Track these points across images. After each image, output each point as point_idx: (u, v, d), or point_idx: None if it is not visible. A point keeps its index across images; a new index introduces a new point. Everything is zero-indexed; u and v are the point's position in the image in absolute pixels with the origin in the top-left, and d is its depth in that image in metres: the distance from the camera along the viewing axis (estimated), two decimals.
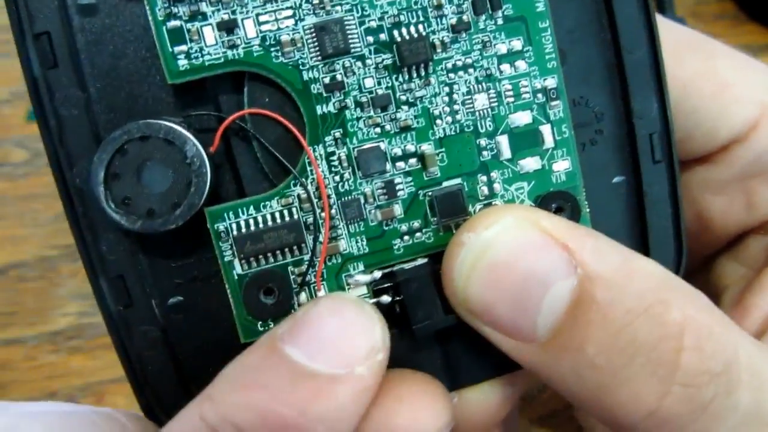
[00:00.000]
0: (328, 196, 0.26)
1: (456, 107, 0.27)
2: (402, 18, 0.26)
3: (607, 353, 0.24)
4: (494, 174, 0.28)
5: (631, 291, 0.24)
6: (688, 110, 0.30)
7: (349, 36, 0.26)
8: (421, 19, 0.26)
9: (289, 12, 0.25)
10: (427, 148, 0.27)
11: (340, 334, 0.24)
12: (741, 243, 0.34)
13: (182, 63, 0.25)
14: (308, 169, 0.26)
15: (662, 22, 0.30)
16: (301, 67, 0.26)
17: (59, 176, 0.25)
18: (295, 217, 0.26)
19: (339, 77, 0.26)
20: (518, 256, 0.25)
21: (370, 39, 0.26)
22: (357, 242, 0.27)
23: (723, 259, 0.35)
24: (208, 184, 0.25)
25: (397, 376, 0.27)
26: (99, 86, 0.25)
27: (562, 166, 0.28)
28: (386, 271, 0.27)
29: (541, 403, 0.45)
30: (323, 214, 0.26)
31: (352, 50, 0.26)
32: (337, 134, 0.26)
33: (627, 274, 0.25)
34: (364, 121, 0.26)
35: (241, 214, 0.26)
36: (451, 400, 0.28)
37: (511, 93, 0.27)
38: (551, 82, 0.27)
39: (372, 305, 0.26)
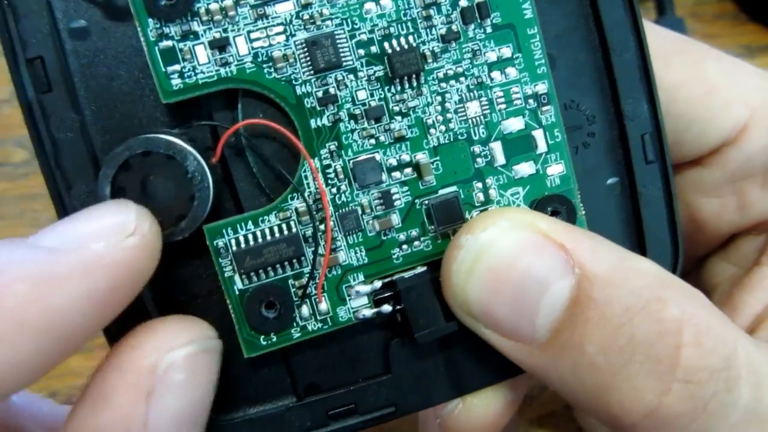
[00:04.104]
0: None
1: (449, 116, 0.27)
2: (392, 30, 0.26)
3: (606, 352, 0.24)
4: (489, 180, 0.28)
5: (629, 289, 0.25)
6: (677, 114, 0.31)
7: (341, 50, 0.26)
8: (411, 30, 0.26)
9: (280, 28, 0.26)
10: (421, 157, 0.27)
11: (78, 217, 0.23)
12: (732, 243, 0.35)
13: (176, 82, 0.25)
14: (305, 182, 0.26)
15: (650, 27, 0.30)
16: (293, 82, 0.26)
17: (57, 199, 0.25)
18: (294, 230, 0.26)
19: (332, 90, 0.26)
20: (516, 257, 0.25)
21: (362, 52, 0.26)
22: (356, 253, 0.27)
23: (714, 259, 0.36)
24: (211, 197, 0.25)
25: None
26: (93, 108, 0.26)
27: (556, 170, 0.28)
28: (386, 280, 0.28)
29: (541, 403, 0.45)
30: (322, 227, 0.26)
31: (344, 63, 0.26)
32: (332, 147, 0.27)
33: (624, 273, 0.25)
34: (358, 133, 0.27)
35: (239, 230, 0.26)
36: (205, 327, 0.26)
37: (502, 100, 0.28)
38: (542, 88, 0.28)
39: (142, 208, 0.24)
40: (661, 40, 0.30)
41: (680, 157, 0.32)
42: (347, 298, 0.27)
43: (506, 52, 0.27)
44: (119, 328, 0.24)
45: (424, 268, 0.28)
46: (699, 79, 0.31)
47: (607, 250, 0.26)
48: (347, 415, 0.29)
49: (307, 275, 0.26)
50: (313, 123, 0.26)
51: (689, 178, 0.33)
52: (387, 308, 0.27)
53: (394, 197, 0.27)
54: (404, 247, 0.27)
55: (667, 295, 0.25)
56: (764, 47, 0.52)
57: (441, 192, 0.27)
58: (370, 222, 0.27)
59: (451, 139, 0.27)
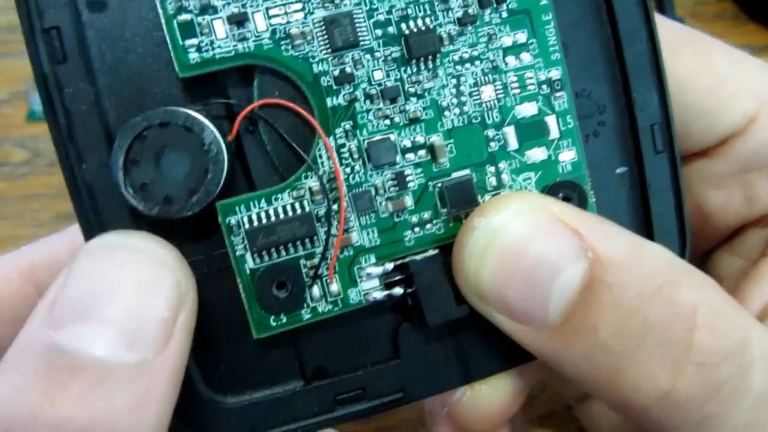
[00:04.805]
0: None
1: (463, 99, 0.27)
2: (409, 11, 0.26)
3: (620, 335, 0.24)
4: (502, 164, 0.28)
5: (642, 273, 0.25)
6: (686, 105, 0.31)
7: (358, 29, 0.26)
8: (428, 12, 0.27)
9: (299, 5, 0.26)
10: (436, 139, 0.27)
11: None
12: (739, 236, 0.35)
13: (193, 56, 0.25)
14: (319, 161, 0.26)
15: (659, 20, 0.30)
16: (311, 60, 0.26)
17: (69, 172, 0.25)
18: (307, 209, 0.26)
19: (348, 70, 0.26)
20: (529, 240, 0.25)
21: (379, 32, 0.26)
22: (368, 234, 0.27)
23: (721, 252, 0.36)
24: (225, 171, 0.25)
25: None
26: (108, 81, 0.25)
27: (567, 156, 0.28)
28: (398, 263, 0.27)
29: (541, 403, 0.45)
30: (335, 206, 0.26)
31: (361, 43, 0.26)
32: (348, 126, 0.26)
33: (637, 257, 0.25)
34: (373, 113, 0.27)
35: (252, 208, 0.26)
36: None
37: (516, 85, 0.28)
38: (555, 74, 0.28)
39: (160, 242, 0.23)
40: (670, 32, 0.31)
41: (688, 148, 0.32)
42: (358, 280, 0.27)
43: (521, 37, 0.28)
44: None
45: (436, 251, 0.28)
46: (708, 70, 0.31)
47: (620, 235, 0.26)
48: (355, 401, 0.28)
49: (319, 255, 0.26)
50: (329, 102, 0.26)
51: (697, 170, 0.33)
52: (398, 291, 0.27)
53: (408, 179, 0.27)
54: (416, 229, 0.27)
55: (681, 279, 0.25)
56: (764, 47, 0.53)
57: (454, 175, 0.27)
58: (383, 203, 0.27)
59: (466, 123, 0.27)
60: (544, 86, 0.28)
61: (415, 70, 0.27)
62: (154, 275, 0.23)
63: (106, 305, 0.21)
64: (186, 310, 0.23)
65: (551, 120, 0.28)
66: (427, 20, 0.27)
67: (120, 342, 0.21)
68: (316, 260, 0.26)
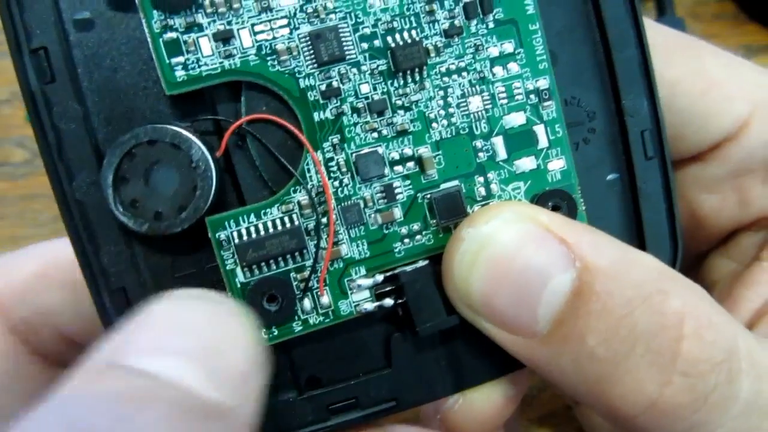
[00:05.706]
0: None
1: (451, 110, 0.27)
2: (395, 24, 0.26)
3: (608, 343, 0.25)
4: (491, 175, 0.28)
5: (630, 282, 0.25)
6: (678, 109, 0.31)
7: (344, 43, 0.26)
8: (414, 24, 0.27)
9: (284, 21, 0.26)
10: (424, 151, 0.27)
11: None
12: (732, 240, 0.35)
13: (179, 74, 0.25)
14: (308, 175, 0.26)
15: (650, 25, 0.30)
16: (297, 74, 0.26)
17: (58, 189, 0.25)
18: (296, 223, 0.26)
19: (335, 84, 0.26)
20: (517, 249, 0.25)
21: (365, 45, 0.26)
22: (358, 246, 0.27)
23: (714, 255, 0.36)
24: (214, 187, 0.25)
25: None
26: (96, 100, 0.26)
27: (557, 165, 0.28)
28: (388, 274, 0.28)
29: (541, 403, 0.45)
30: (324, 220, 0.26)
31: (348, 57, 0.26)
32: (335, 140, 0.27)
33: (625, 266, 0.25)
34: (361, 126, 0.27)
35: (242, 222, 0.26)
36: None
37: (504, 95, 0.28)
38: (543, 83, 0.28)
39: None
40: (661, 37, 0.31)
41: (681, 153, 0.32)
42: (349, 292, 0.27)
43: (508, 47, 0.28)
44: None
45: (426, 262, 0.28)
46: (699, 74, 0.31)
47: (609, 244, 0.26)
48: (348, 410, 0.28)
49: (310, 268, 0.26)
50: (316, 116, 0.26)
51: (690, 174, 0.33)
52: (388, 302, 0.27)
53: (397, 191, 0.27)
54: (406, 240, 0.28)
55: (669, 288, 0.25)
56: (764, 47, 0.53)
57: (443, 186, 0.28)
58: (373, 215, 0.27)
59: (454, 134, 0.28)
60: (532, 96, 0.28)
61: (402, 82, 0.27)
62: (237, 327, 0.21)
63: (189, 343, 0.20)
64: (262, 376, 0.21)
65: (540, 129, 0.28)
66: (413, 32, 0.27)
67: (204, 377, 0.19)
68: (306, 273, 0.27)
